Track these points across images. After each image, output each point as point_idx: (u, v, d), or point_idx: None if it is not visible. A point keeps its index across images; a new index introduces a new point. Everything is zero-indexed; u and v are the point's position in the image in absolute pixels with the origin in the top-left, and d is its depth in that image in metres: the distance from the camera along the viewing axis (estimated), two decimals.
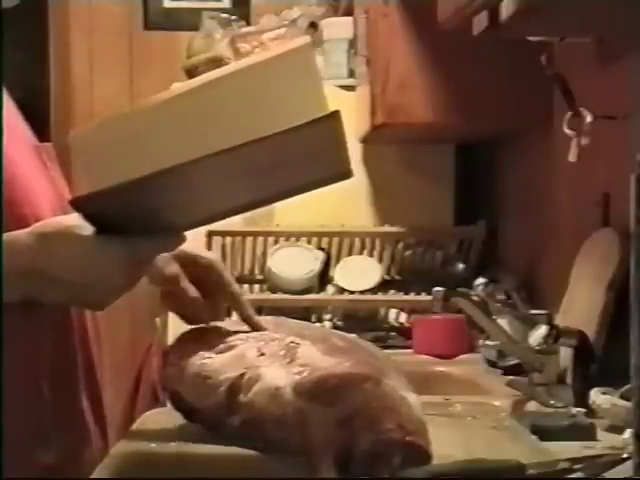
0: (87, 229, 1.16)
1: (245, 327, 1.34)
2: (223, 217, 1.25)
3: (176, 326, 1.42)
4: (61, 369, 1.31)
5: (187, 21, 3.77)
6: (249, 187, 1.17)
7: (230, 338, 1.29)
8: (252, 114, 1.08)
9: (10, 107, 1.36)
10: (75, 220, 1.16)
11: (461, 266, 2.77)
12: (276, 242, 2.85)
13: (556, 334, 1.72)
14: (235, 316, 1.40)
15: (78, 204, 1.13)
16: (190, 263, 1.33)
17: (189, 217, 1.22)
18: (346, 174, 1.14)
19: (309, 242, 2.85)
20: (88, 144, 1.14)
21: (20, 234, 1.18)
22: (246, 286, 2.86)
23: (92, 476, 1.20)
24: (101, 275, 1.16)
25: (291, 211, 2.71)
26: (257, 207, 1.20)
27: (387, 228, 2.88)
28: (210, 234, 2.72)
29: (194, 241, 1.29)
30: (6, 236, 1.17)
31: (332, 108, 1.08)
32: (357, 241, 2.88)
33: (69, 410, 1.33)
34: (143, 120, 1.12)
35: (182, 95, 1.12)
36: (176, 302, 1.35)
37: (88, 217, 1.15)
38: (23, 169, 1.29)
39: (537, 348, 1.72)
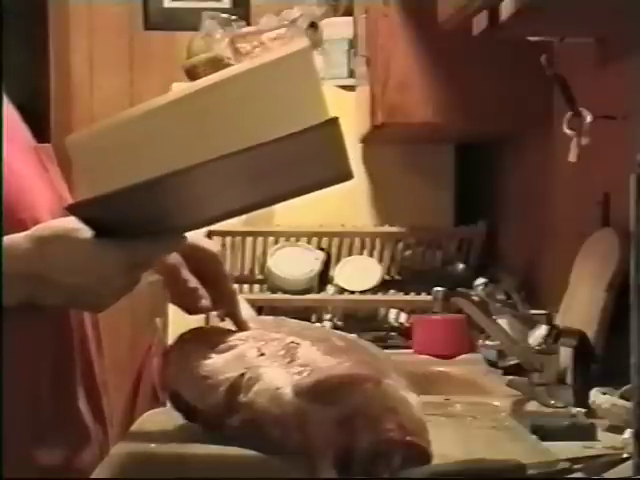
0: (86, 232, 1.16)
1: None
2: (222, 219, 1.25)
3: (176, 326, 1.42)
4: (59, 370, 1.31)
5: (187, 21, 3.77)
6: (249, 190, 1.16)
7: (230, 338, 1.29)
8: (251, 118, 1.08)
9: (9, 109, 1.36)
10: (74, 223, 1.15)
11: (461, 266, 2.77)
12: (276, 242, 2.85)
13: (556, 334, 1.72)
14: None
15: (75, 210, 1.12)
16: (191, 253, 1.33)
17: (189, 220, 1.21)
18: (347, 176, 1.14)
19: (309, 242, 2.85)
20: (86, 149, 1.13)
21: (19, 237, 1.17)
22: (246, 286, 2.86)
23: (92, 476, 1.20)
24: (101, 278, 1.16)
25: (291, 211, 2.71)
26: (257, 209, 1.20)
27: (387, 228, 2.88)
28: (210, 234, 2.72)
29: (194, 232, 1.29)
30: (5, 240, 1.17)
31: (331, 111, 1.07)
32: (357, 241, 2.88)
33: (67, 410, 1.32)
34: (141, 125, 1.12)
35: (180, 100, 1.11)
36: (177, 292, 1.35)
37: (86, 221, 1.15)
38: (22, 172, 1.29)
39: (537, 348, 1.72)
